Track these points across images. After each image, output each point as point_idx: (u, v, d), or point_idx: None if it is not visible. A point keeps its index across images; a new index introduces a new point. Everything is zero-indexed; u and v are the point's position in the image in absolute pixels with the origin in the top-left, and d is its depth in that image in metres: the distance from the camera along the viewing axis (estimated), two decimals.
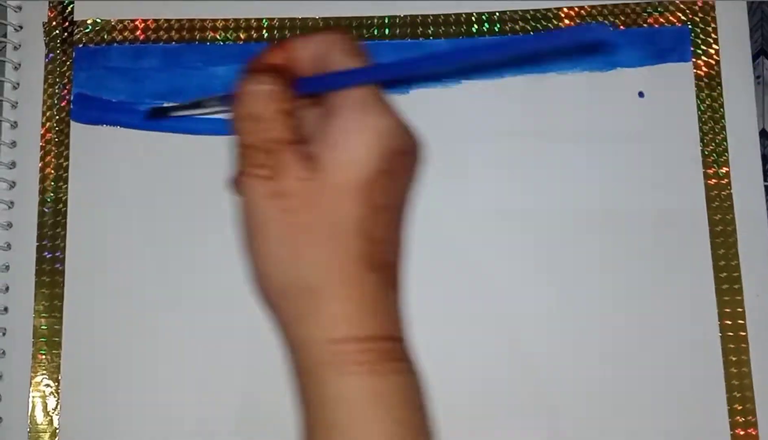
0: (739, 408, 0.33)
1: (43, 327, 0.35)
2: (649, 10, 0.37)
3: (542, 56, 0.35)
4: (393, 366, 0.26)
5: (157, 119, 0.36)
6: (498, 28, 0.37)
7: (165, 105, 0.36)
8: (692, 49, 0.37)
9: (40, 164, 0.36)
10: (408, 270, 0.34)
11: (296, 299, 0.26)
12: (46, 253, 0.35)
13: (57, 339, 0.34)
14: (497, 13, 0.37)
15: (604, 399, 0.34)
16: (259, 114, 0.27)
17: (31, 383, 0.34)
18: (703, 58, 0.37)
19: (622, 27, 0.37)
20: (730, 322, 0.34)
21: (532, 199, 0.35)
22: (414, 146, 0.28)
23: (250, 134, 0.27)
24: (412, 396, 0.27)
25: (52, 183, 0.36)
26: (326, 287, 0.26)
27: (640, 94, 0.36)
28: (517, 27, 0.37)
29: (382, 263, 0.27)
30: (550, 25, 0.37)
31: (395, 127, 0.27)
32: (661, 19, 0.37)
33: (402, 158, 0.27)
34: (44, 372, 0.34)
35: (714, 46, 0.37)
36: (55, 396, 0.34)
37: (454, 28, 0.37)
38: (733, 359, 0.34)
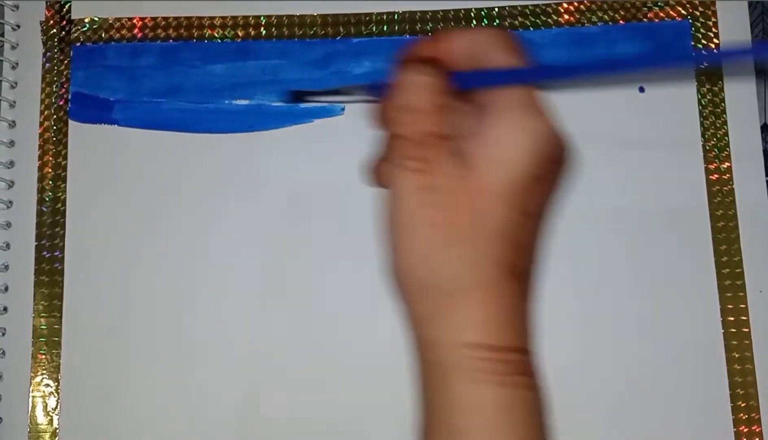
0: (743, 405, 0.33)
1: (42, 327, 0.35)
2: (649, 4, 0.37)
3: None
4: (523, 379, 0.25)
5: (297, 102, 0.35)
6: (497, 25, 0.37)
7: (306, 90, 0.35)
8: (693, 43, 0.36)
9: (38, 163, 0.36)
10: None
11: (434, 298, 0.26)
12: (45, 253, 0.35)
13: (57, 339, 0.34)
14: (496, 9, 0.37)
15: (606, 396, 0.34)
16: (417, 106, 0.26)
17: (31, 383, 0.34)
18: (704, 52, 0.36)
19: (622, 22, 0.37)
20: (732, 318, 0.34)
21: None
22: (565, 153, 0.27)
23: (404, 125, 0.26)
24: (537, 412, 0.26)
25: (51, 182, 0.36)
26: (465, 290, 0.25)
27: (641, 89, 0.36)
28: (516, 23, 0.37)
29: (523, 271, 0.26)
30: (549, 20, 0.37)
31: (551, 132, 0.26)
32: (662, 14, 0.37)
33: (554, 164, 0.27)
34: (44, 371, 0.34)
35: (715, 40, 0.36)
36: (55, 396, 0.34)
37: (453, 24, 0.37)
38: (736, 355, 0.34)
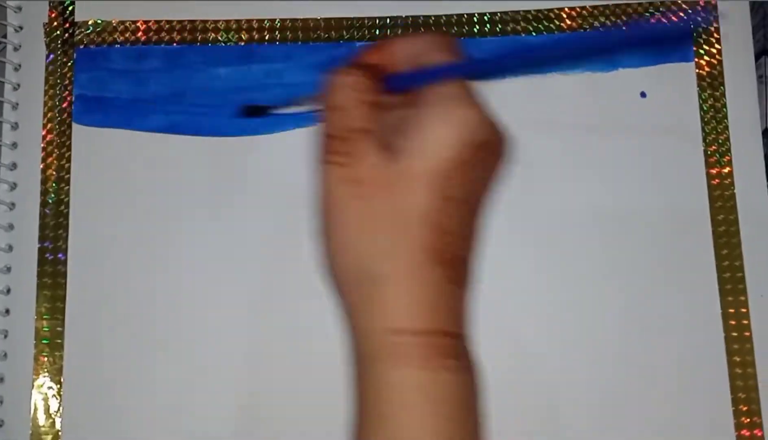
0: (744, 408, 0.33)
1: (45, 329, 0.34)
2: (651, 10, 0.37)
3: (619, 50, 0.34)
4: (446, 362, 0.26)
5: (251, 116, 0.36)
6: (499, 29, 0.37)
7: (260, 105, 0.36)
8: (694, 48, 0.37)
9: (41, 166, 0.36)
10: None
11: (362, 287, 0.26)
12: (48, 255, 0.35)
13: (59, 341, 0.34)
14: (498, 14, 0.37)
15: (607, 399, 0.34)
16: (341, 103, 0.28)
17: (33, 385, 0.34)
18: (706, 57, 0.37)
19: (624, 27, 0.37)
20: (734, 323, 0.34)
21: (532, 198, 0.35)
22: (499, 141, 0.28)
23: (331, 123, 0.28)
24: (465, 394, 0.26)
25: (54, 185, 0.36)
26: (391, 277, 0.26)
27: (642, 95, 0.36)
28: (519, 27, 0.37)
29: (451, 257, 0.27)
30: (552, 25, 0.37)
31: (480, 120, 0.27)
32: (663, 19, 0.37)
33: (484, 151, 0.27)
34: (46, 374, 0.34)
35: (716, 45, 0.37)
36: (57, 398, 0.34)
37: (455, 29, 0.37)
38: (738, 359, 0.34)
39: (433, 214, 0.26)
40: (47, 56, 0.37)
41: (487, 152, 0.27)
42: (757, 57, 0.38)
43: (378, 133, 0.27)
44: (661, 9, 0.37)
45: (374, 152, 0.27)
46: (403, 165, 0.26)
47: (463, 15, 0.37)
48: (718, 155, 0.36)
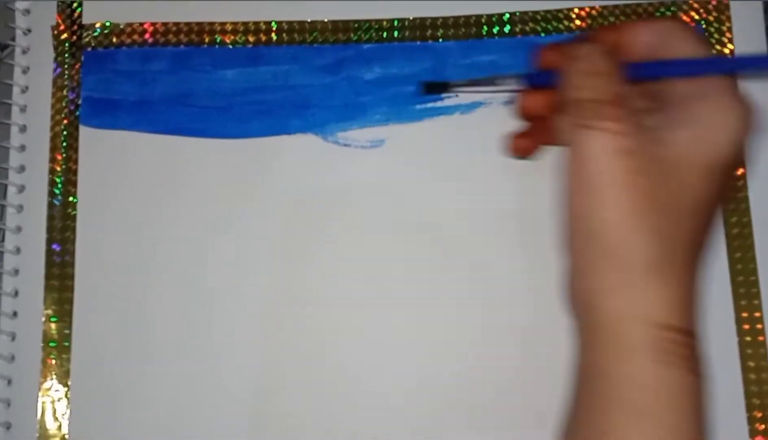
0: (759, 415, 0.33)
1: (52, 332, 0.34)
2: (662, 9, 0.36)
3: None
4: (698, 365, 0.25)
5: (431, 93, 0.36)
6: (508, 30, 0.37)
7: (440, 81, 0.35)
8: None
9: (49, 167, 0.36)
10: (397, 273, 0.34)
11: (619, 269, 0.25)
12: (56, 257, 0.35)
13: (67, 344, 0.34)
14: (507, 14, 0.37)
15: None
16: (599, 69, 0.26)
17: (40, 388, 0.34)
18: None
19: None
20: (747, 326, 0.34)
21: (533, 201, 0.35)
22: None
23: (591, 88, 0.26)
24: (705, 400, 0.25)
25: (62, 187, 0.36)
26: (658, 264, 0.24)
27: None
28: (528, 28, 0.37)
29: (704, 254, 0.26)
30: (561, 26, 0.36)
31: (751, 120, 0.26)
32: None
33: (743, 151, 0.27)
34: (54, 376, 0.34)
35: (729, 45, 0.36)
36: (64, 401, 0.34)
37: (464, 30, 0.37)
38: (752, 364, 0.33)
39: (705, 207, 0.25)
40: (55, 59, 0.37)
41: (743, 153, 0.27)
42: None
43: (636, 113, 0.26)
44: (672, 8, 0.36)
45: (650, 128, 0.25)
46: (684, 152, 0.25)
47: (471, 16, 0.37)
48: None
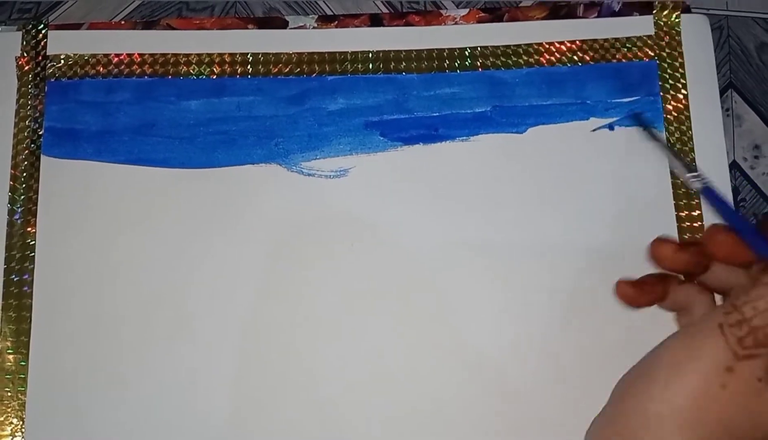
0: None
1: (8, 364, 0.34)
2: (618, 45, 0.38)
3: None
4: None
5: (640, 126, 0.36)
6: (469, 64, 0.37)
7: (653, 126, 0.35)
8: (660, 83, 0.37)
9: (9, 197, 0.36)
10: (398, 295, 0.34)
11: None
12: (13, 289, 0.35)
13: (23, 376, 0.34)
14: (468, 49, 0.38)
15: None
16: None
17: None
18: (671, 92, 0.37)
19: (591, 62, 0.37)
20: None
21: (535, 234, 0.35)
22: None
23: (758, 318, 0.25)
24: None
25: (21, 217, 0.35)
26: None
27: (610, 127, 0.37)
28: (488, 62, 0.37)
29: None
30: (520, 60, 0.37)
31: None
32: (629, 55, 0.38)
33: None
34: (8, 410, 0.33)
35: (682, 80, 0.37)
36: (19, 436, 0.33)
37: (426, 63, 0.37)
38: None
39: None
40: (18, 89, 0.37)
41: None
42: (724, 91, 0.38)
43: None
44: (626, 45, 0.38)
45: (763, 368, 0.25)
46: None
47: (434, 50, 0.37)
48: (685, 189, 0.36)
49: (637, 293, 0.30)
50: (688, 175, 0.31)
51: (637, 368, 0.27)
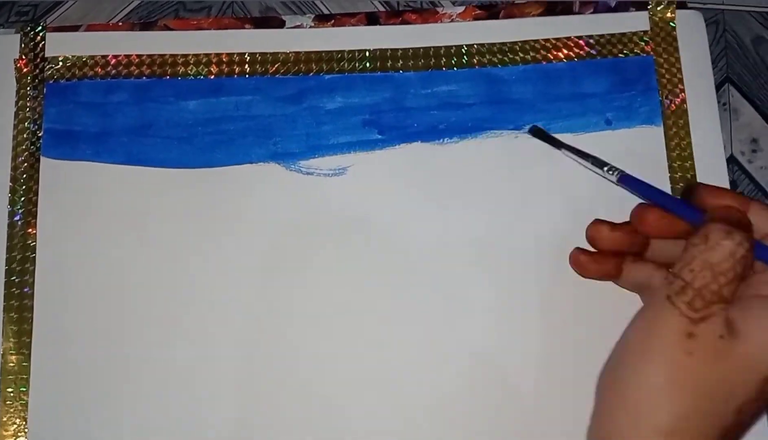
0: None
1: (11, 365, 0.34)
2: (613, 41, 0.38)
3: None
4: None
5: (537, 137, 0.36)
6: (466, 61, 0.38)
7: (553, 136, 0.36)
8: (657, 78, 0.37)
9: (9, 198, 0.36)
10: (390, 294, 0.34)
11: (637, 425, 0.25)
12: (15, 289, 0.35)
13: (25, 377, 0.34)
14: (465, 47, 0.38)
15: None
16: (719, 269, 0.26)
17: None
18: (668, 87, 0.37)
19: (587, 58, 0.37)
20: None
21: (534, 231, 0.36)
22: None
23: (698, 278, 0.26)
24: None
25: (22, 219, 0.36)
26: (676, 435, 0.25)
27: (607, 122, 0.37)
28: (485, 60, 0.38)
29: None
30: (517, 58, 0.37)
31: None
32: (626, 51, 0.38)
33: None
34: (11, 410, 0.34)
35: (678, 75, 0.37)
36: (23, 436, 0.33)
37: (423, 61, 0.37)
38: None
39: (748, 410, 0.26)
40: (17, 91, 0.37)
41: None
42: (720, 85, 0.38)
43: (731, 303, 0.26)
44: (623, 40, 0.38)
45: (722, 325, 0.26)
46: (740, 350, 0.25)
47: (430, 48, 0.38)
48: (683, 183, 0.36)
49: (588, 260, 0.32)
50: (604, 169, 0.32)
51: (610, 361, 0.28)
